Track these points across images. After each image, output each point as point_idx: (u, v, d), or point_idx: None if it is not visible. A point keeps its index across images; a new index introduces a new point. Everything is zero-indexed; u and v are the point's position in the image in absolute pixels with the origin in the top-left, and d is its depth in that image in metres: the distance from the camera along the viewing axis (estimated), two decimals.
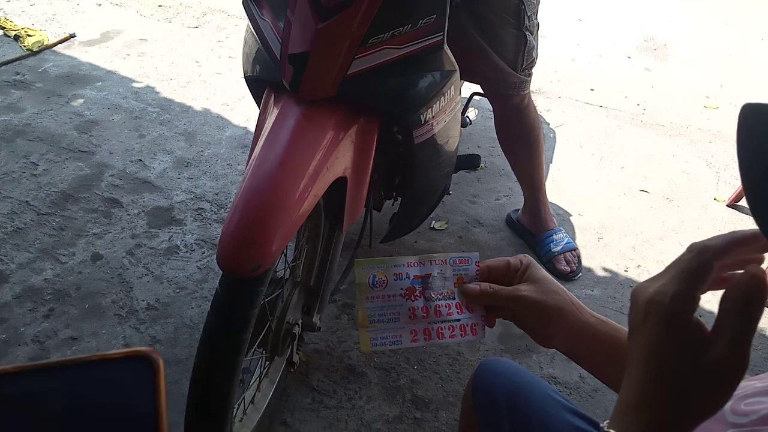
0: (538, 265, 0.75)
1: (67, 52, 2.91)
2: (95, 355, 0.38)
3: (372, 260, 0.76)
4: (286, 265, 1.35)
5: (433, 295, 0.75)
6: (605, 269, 2.02)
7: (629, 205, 2.28)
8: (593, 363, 0.72)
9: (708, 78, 3.11)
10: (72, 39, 3.01)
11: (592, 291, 1.94)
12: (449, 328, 0.74)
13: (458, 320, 0.75)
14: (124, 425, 0.38)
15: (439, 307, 0.75)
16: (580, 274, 1.98)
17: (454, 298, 0.75)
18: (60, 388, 0.38)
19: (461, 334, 0.75)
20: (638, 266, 2.03)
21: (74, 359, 0.38)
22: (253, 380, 1.45)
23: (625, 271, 2.02)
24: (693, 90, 3.03)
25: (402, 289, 0.75)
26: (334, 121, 1.15)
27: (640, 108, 2.87)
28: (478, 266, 0.77)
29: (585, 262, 2.02)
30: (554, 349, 0.73)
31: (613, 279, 1.98)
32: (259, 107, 1.28)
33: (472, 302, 0.75)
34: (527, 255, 0.76)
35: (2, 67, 2.75)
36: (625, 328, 0.70)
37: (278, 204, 1.02)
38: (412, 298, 0.74)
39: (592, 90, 2.97)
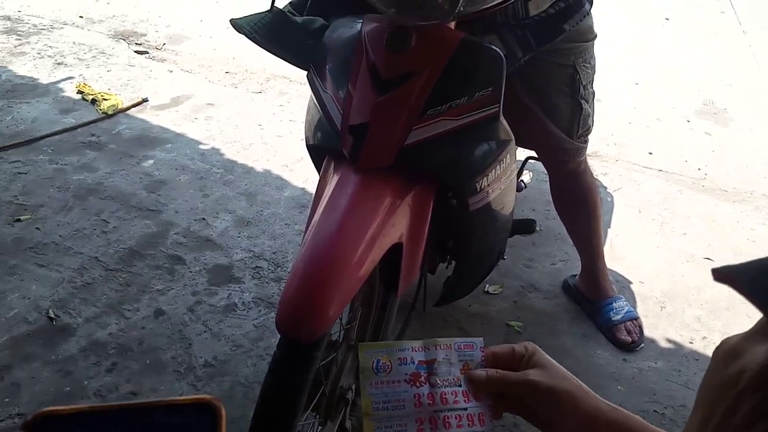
0: (543, 351, 0.73)
1: (140, 116, 3.09)
2: (162, 400, 0.41)
3: (376, 344, 0.75)
4: (341, 328, 1.37)
5: (438, 381, 0.72)
6: (669, 340, 1.95)
7: (693, 273, 2.21)
8: None
9: None
10: (144, 103, 3.20)
11: (656, 363, 1.86)
12: (456, 418, 0.71)
13: (465, 409, 0.72)
14: None
15: (445, 394, 0.72)
16: (642, 345, 1.91)
17: (460, 385, 0.73)
18: (128, 430, 0.40)
19: (468, 424, 0.71)
20: (704, 338, 1.95)
21: (142, 403, 0.41)
22: None
23: (690, 343, 1.94)
24: (756, 155, 2.95)
25: (407, 374, 0.72)
26: (391, 189, 1.18)
27: (701, 173, 2.81)
28: (483, 352, 0.75)
29: (647, 333, 1.96)
30: None
31: (678, 351, 1.91)
32: (319, 174, 1.33)
33: (479, 389, 0.73)
34: (531, 342, 0.74)
35: (79, 129, 2.93)
36: (638, 417, 0.68)
37: (336, 270, 1.05)
38: (417, 384, 0.72)
39: (650, 154, 2.94)
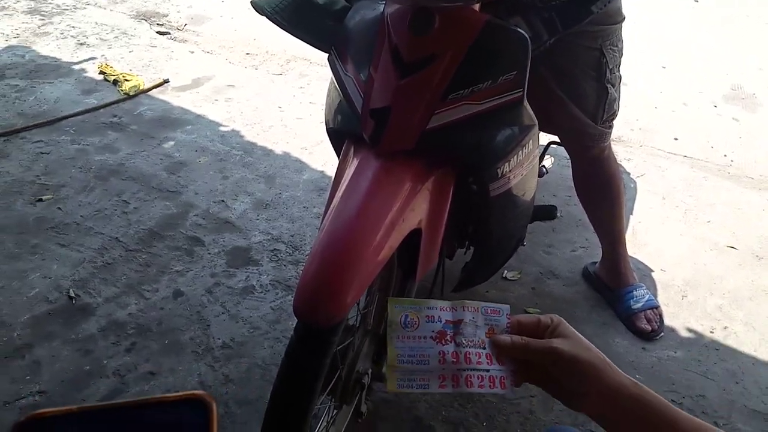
0: (567, 323, 0.73)
1: (161, 97, 3.10)
2: (153, 398, 0.41)
3: (405, 300, 0.76)
4: (358, 313, 1.36)
5: (464, 341, 0.74)
6: (689, 330, 1.92)
7: (716, 261, 2.17)
8: (626, 431, 0.68)
9: None
10: (166, 84, 3.20)
11: (675, 353, 1.84)
12: (478, 377, 0.72)
13: (487, 370, 0.73)
14: None
15: (469, 354, 0.73)
16: (662, 334, 1.89)
17: (484, 348, 0.74)
18: (119, 428, 0.40)
19: (490, 385, 0.72)
20: (725, 328, 1.92)
21: (133, 401, 0.41)
22: (320, 428, 1.45)
23: (711, 332, 1.91)
24: None
25: (433, 332, 0.74)
26: (412, 174, 1.16)
27: (728, 159, 2.75)
28: (509, 319, 0.76)
29: (668, 322, 1.93)
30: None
31: (698, 341, 1.88)
32: (338, 157, 1.31)
33: (503, 354, 0.73)
34: (557, 315, 0.74)
35: (101, 110, 2.95)
36: (660, 396, 0.66)
37: (355, 255, 1.04)
38: (443, 342, 0.74)
39: (675, 139, 2.88)
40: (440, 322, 0.75)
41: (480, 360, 0.73)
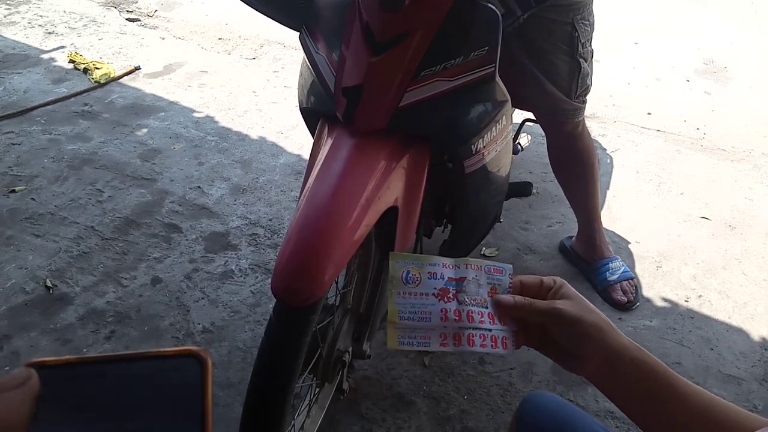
0: (570, 286, 0.72)
1: (132, 84, 3.05)
2: (149, 351, 0.41)
3: (407, 255, 0.74)
4: (337, 292, 1.37)
5: (466, 299, 0.72)
6: (664, 299, 1.96)
7: (689, 232, 2.21)
8: (627, 395, 0.67)
9: None
10: (137, 71, 3.15)
11: (651, 322, 1.88)
12: (480, 337, 0.71)
13: (489, 330, 0.71)
14: (173, 417, 0.40)
15: (472, 312, 0.71)
16: (638, 304, 1.92)
17: (486, 307, 0.72)
18: (116, 379, 0.40)
19: (492, 345, 0.71)
20: (699, 296, 1.96)
21: (130, 354, 0.41)
22: (303, 406, 1.46)
23: (686, 301, 1.95)
24: (755, 114, 2.93)
25: (435, 288, 0.72)
26: (386, 152, 1.16)
27: (700, 132, 2.79)
28: (511, 279, 0.74)
29: (643, 292, 1.97)
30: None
31: (673, 310, 1.92)
32: (313, 137, 1.31)
33: (505, 314, 0.72)
34: (560, 277, 0.74)
35: (72, 99, 2.90)
36: (659, 361, 0.67)
37: (331, 234, 1.04)
38: (445, 299, 0.72)
39: (649, 114, 2.91)
40: (443, 279, 0.72)
41: (483, 319, 0.71)
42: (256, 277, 1.99)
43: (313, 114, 1.31)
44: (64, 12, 3.71)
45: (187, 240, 2.13)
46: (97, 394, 0.40)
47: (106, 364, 0.41)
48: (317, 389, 1.46)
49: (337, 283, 1.30)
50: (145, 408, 0.40)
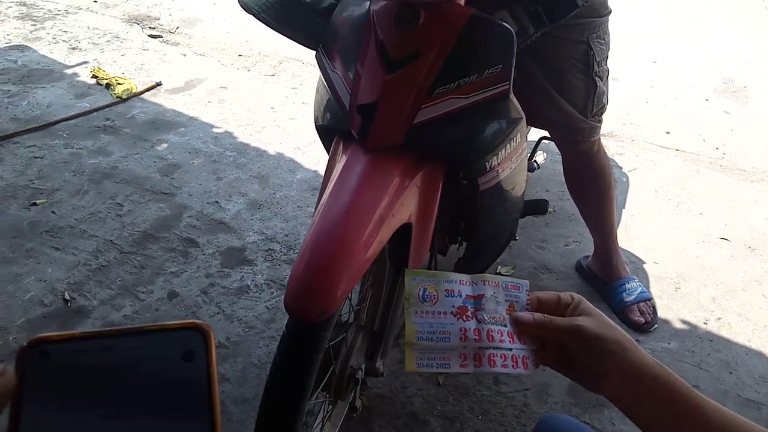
0: (588, 302, 0.70)
1: (154, 100, 3.10)
2: (152, 325, 0.42)
3: (422, 272, 0.71)
4: (351, 309, 1.37)
5: (486, 318, 0.69)
6: (683, 321, 1.93)
7: (708, 253, 2.18)
8: (648, 414, 0.64)
9: None
10: (158, 87, 3.20)
11: (669, 344, 1.85)
12: (501, 357, 0.68)
13: (510, 349, 0.68)
14: (178, 390, 0.40)
15: (492, 331, 0.68)
16: (656, 325, 1.90)
17: (505, 325, 0.70)
18: (121, 352, 0.41)
19: (513, 365, 0.68)
20: (718, 318, 1.93)
21: (133, 328, 0.42)
22: (315, 424, 1.45)
23: (705, 323, 1.92)
24: None
25: (453, 307, 0.69)
26: (400, 169, 1.17)
27: (719, 152, 2.76)
28: (528, 295, 0.72)
29: (661, 314, 1.94)
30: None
31: (692, 332, 1.89)
32: (328, 154, 1.32)
33: (525, 332, 0.70)
34: (577, 293, 0.72)
35: (94, 114, 2.95)
36: (680, 378, 0.64)
37: (344, 250, 1.05)
38: (464, 318, 0.69)
39: (667, 133, 2.89)
40: (461, 296, 0.70)
41: (502, 338, 0.69)
42: (272, 293, 1.99)
43: (329, 131, 1.32)
44: (88, 28, 3.79)
45: (203, 255, 2.14)
46: (101, 368, 0.40)
47: (110, 338, 0.42)
48: (330, 406, 1.45)
49: (350, 299, 1.30)
50: (150, 381, 0.40)
